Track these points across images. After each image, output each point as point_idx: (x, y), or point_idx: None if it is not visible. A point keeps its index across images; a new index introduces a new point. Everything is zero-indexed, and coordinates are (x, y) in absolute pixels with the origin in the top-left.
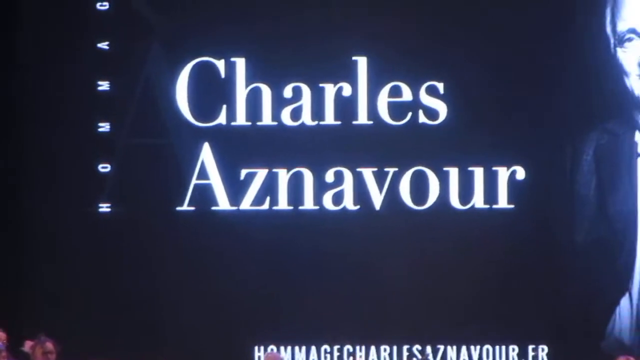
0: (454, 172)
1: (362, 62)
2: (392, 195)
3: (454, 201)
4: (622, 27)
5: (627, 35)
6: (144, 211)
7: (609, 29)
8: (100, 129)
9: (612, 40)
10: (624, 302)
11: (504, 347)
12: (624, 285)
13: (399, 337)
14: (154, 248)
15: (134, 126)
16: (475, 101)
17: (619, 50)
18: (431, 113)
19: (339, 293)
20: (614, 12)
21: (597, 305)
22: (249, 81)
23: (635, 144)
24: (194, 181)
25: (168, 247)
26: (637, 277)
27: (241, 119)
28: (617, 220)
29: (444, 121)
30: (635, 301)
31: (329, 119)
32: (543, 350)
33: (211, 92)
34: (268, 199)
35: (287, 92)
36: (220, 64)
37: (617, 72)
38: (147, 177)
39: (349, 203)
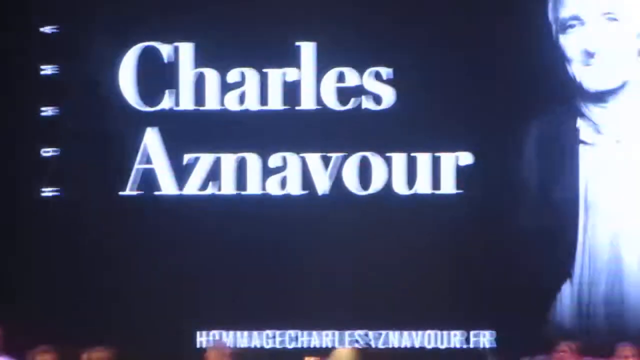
0: (398, 158)
1: (307, 47)
2: (337, 180)
3: (399, 186)
4: (564, 13)
5: (570, 22)
6: (87, 196)
7: (551, 16)
8: (43, 114)
9: (554, 27)
10: (566, 288)
11: (446, 333)
12: (566, 271)
13: (342, 322)
14: (98, 233)
15: (78, 111)
16: (421, 87)
17: (561, 36)
18: (376, 98)
19: (282, 278)
20: None
21: (540, 291)
22: (193, 66)
23: (578, 130)
24: (137, 166)
25: (112, 232)
26: (579, 263)
27: (186, 104)
28: (560, 207)
29: (389, 106)
30: (576, 287)
31: (274, 104)
32: (485, 337)
33: (156, 76)
34: (212, 184)
35: (232, 77)
36: (165, 49)
37: (560, 58)
38: (90, 162)
39: (293, 188)
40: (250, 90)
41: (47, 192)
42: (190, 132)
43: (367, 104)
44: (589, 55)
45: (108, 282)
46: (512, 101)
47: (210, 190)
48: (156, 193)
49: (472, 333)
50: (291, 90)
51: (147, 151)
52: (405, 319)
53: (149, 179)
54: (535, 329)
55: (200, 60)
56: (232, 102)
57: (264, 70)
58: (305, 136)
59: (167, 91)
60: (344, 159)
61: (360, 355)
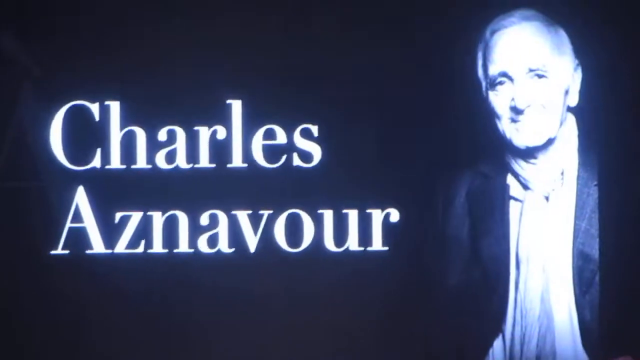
0: (328, 215)
1: (236, 105)
2: (267, 238)
3: (329, 243)
4: (493, 70)
5: (499, 79)
6: (16, 255)
7: (480, 72)
8: None
9: (484, 84)
10: (497, 344)
11: None
12: (497, 327)
13: None
14: (27, 293)
15: (6, 169)
16: (349, 143)
17: (491, 93)
18: (305, 156)
19: (214, 336)
20: (485, 56)
21: (471, 347)
22: (123, 124)
23: (508, 186)
24: (68, 225)
25: (42, 292)
26: (510, 320)
27: (115, 163)
28: (490, 263)
29: (318, 164)
30: (508, 343)
31: (204, 162)
32: None
33: (85, 135)
34: (143, 242)
35: (162, 135)
36: (95, 107)
37: (490, 115)
38: (19, 221)
39: (223, 246)
40: (180, 148)
41: None
42: (120, 191)
43: (297, 161)
44: (518, 111)
45: (40, 342)
46: (441, 157)
47: (141, 248)
48: (87, 252)
49: None
50: (221, 148)
51: (78, 210)
52: None
53: (79, 238)
54: None
55: (130, 118)
56: (161, 160)
57: (194, 128)
58: (235, 194)
59: (96, 150)
60: (274, 216)
61: None
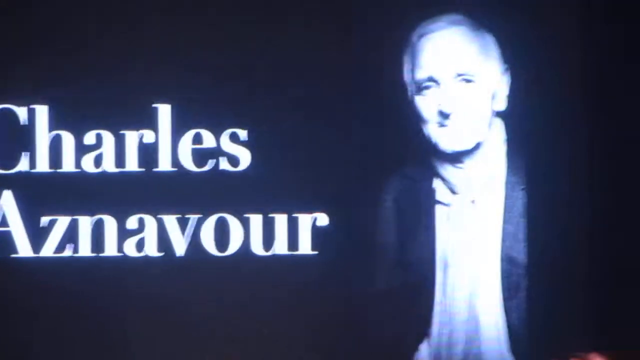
0: (256, 219)
1: (163, 109)
2: (195, 242)
3: (256, 248)
4: (420, 74)
5: (425, 83)
6: None
7: (407, 77)
8: None
9: (410, 88)
10: (424, 348)
11: None
12: (424, 332)
13: None
14: None
15: None
16: (277, 147)
17: (417, 97)
18: (233, 160)
19: (141, 340)
20: (413, 60)
21: (397, 352)
22: (50, 128)
23: (434, 190)
24: None
25: None
26: (437, 323)
27: (42, 166)
28: (417, 267)
29: (246, 168)
30: (434, 347)
31: (131, 165)
32: None
33: (12, 139)
34: (68, 246)
35: (89, 139)
36: (22, 111)
37: (416, 119)
38: None
39: (151, 250)
40: (107, 152)
41: None
42: (47, 195)
43: (224, 165)
44: (444, 116)
45: None
46: (368, 161)
47: (68, 252)
48: (13, 256)
49: None
50: (148, 152)
51: (4, 214)
52: None
53: (5, 242)
54: None
55: (57, 122)
56: (88, 164)
57: (121, 132)
58: (163, 198)
59: (23, 153)
60: (202, 220)
61: None
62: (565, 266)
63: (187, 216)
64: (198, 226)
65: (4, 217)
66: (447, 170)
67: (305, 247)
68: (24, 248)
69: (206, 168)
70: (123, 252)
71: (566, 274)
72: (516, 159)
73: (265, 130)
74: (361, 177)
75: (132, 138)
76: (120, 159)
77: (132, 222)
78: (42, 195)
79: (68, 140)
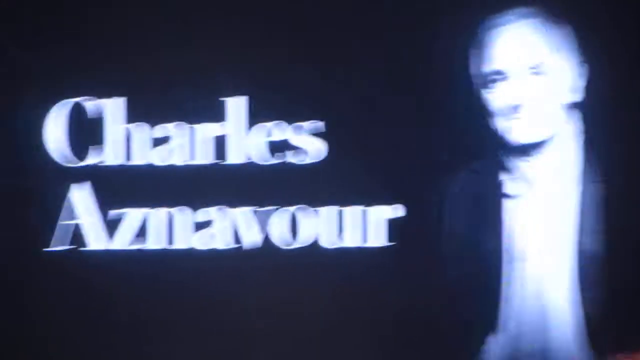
0: (327, 211)
1: (234, 102)
2: (265, 235)
3: (326, 241)
4: (488, 67)
5: (492, 77)
6: (11, 254)
7: (475, 70)
8: None
9: (478, 81)
10: (492, 341)
11: None
12: (492, 324)
13: None
14: (23, 291)
15: (2, 167)
16: (349, 141)
17: (485, 91)
18: (304, 152)
19: (210, 334)
20: (481, 53)
21: (466, 344)
22: (120, 121)
23: (502, 183)
24: (62, 222)
25: (37, 290)
26: (505, 316)
27: (112, 160)
28: (486, 260)
29: (317, 160)
30: (501, 339)
31: (201, 158)
32: None
33: (82, 132)
34: (139, 240)
35: (159, 132)
36: (94, 104)
37: (485, 112)
38: (13, 219)
39: (220, 243)
40: (178, 145)
41: None
42: (117, 188)
43: (296, 157)
44: (514, 109)
45: (36, 341)
46: (436, 155)
47: (137, 245)
48: (82, 249)
49: None
50: (219, 145)
51: (73, 207)
52: None
53: (74, 235)
54: None
55: (127, 115)
56: (159, 158)
57: (192, 125)
58: (233, 191)
59: (93, 147)
60: (272, 213)
61: None
62: None
63: (257, 209)
64: (268, 219)
65: (72, 209)
66: (515, 163)
67: (375, 239)
68: (92, 241)
69: (277, 160)
70: (193, 245)
71: None
72: (591, 152)
73: (338, 122)
74: (428, 171)
75: (203, 131)
76: (191, 152)
77: (202, 215)
78: (112, 189)
79: (139, 133)
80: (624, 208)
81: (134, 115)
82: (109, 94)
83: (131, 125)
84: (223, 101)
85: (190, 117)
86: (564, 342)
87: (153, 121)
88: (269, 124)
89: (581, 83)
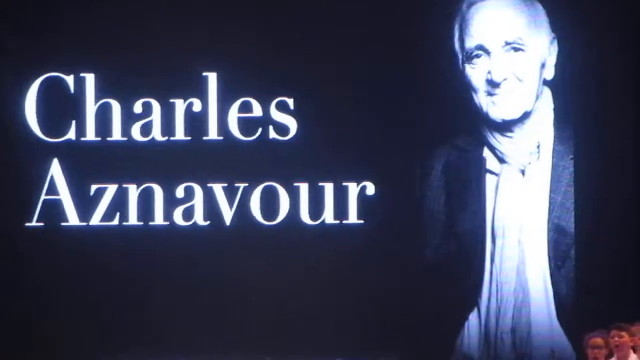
0: (304, 188)
1: (212, 78)
2: (243, 211)
3: (305, 217)
4: (470, 44)
5: (475, 52)
6: None
7: (457, 46)
8: None
9: (460, 57)
10: (473, 317)
11: (356, 358)
12: (473, 301)
13: (250, 350)
14: (3, 265)
15: None
16: (326, 117)
17: (467, 66)
18: (281, 129)
19: (189, 308)
20: (462, 29)
21: (447, 321)
22: (98, 97)
23: (484, 159)
24: (43, 197)
25: (18, 264)
26: (486, 292)
27: (91, 135)
28: (467, 237)
29: (294, 137)
30: (484, 316)
31: (180, 134)
32: None
33: (60, 107)
34: (118, 214)
35: (137, 107)
36: (70, 80)
37: (466, 88)
38: None
39: (199, 219)
40: (156, 121)
41: None
42: (96, 163)
43: (273, 134)
44: (495, 85)
45: (16, 312)
46: (418, 130)
47: (116, 221)
48: (63, 224)
49: None
50: (197, 121)
51: (54, 182)
52: (311, 347)
53: (54, 210)
54: (442, 357)
55: (105, 91)
56: (137, 133)
57: (170, 100)
58: (211, 167)
59: (72, 122)
60: (250, 189)
61: None
62: (614, 236)
63: (235, 185)
64: (246, 195)
65: (53, 185)
66: (497, 139)
67: (353, 216)
68: (73, 216)
69: (254, 137)
70: (171, 221)
71: (615, 244)
72: (565, 129)
73: (313, 99)
74: (410, 146)
75: (180, 107)
76: (168, 128)
77: (180, 191)
78: (90, 164)
79: (116, 109)
80: (597, 185)
81: (112, 91)
82: (87, 70)
83: (109, 100)
84: (203, 77)
85: (168, 94)
86: (544, 318)
87: (130, 97)
88: (244, 101)
89: (554, 60)
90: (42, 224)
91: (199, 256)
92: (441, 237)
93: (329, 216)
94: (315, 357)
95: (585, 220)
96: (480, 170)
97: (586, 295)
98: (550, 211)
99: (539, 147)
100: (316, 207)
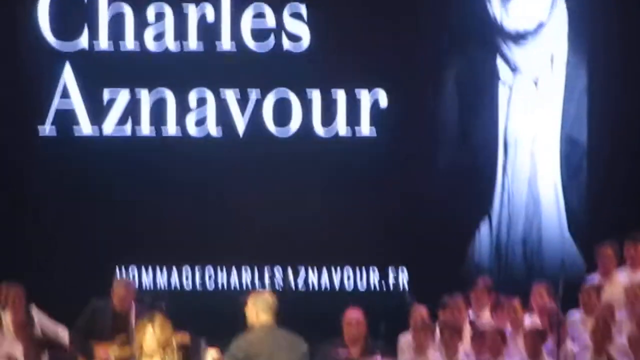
0: (316, 96)
1: None
2: (255, 120)
3: (317, 127)
4: None
5: None
6: (4, 133)
7: None
8: None
9: None
10: (484, 228)
11: (364, 270)
12: (484, 212)
13: (261, 260)
14: (15, 171)
15: None
16: (339, 25)
17: None
18: (294, 37)
19: (201, 217)
20: None
21: (458, 230)
22: (111, 2)
23: (497, 70)
24: (55, 103)
25: (30, 170)
26: (497, 202)
27: (104, 41)
28: (479, 147)
29: (307, 45)
30: (495, 227)
31: (192, 41)
32: (402, 274)
33: (73, 13)
34: (130, 121)
35: (150, 14)
36: None
37: None
38: (7, 100)
39: (211, 128)
40: (168, 28)
41: None
42: (109, 70)
43: (285, 42)
44: None
45: (28, 219)
46: (431, 40)
47: (129, 127)
48: (76, 132)
49: (390, 270)
50: (209, 29)
51: (66, 88)
52: (324, 257)
53: (67, 117)
54: (453, 267)
55: None
56: (150, 40)
57: (182, 6)
58: (223, 75)
59: (85, 29)
60: (262, 98)
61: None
62: (627, 147)
63: (247, 93)
64: (258, 104)
65: (65, 91)
66: (510, 49)
67: (365, 125)
68: (85, 122)
69: (267, 45)
70: (183, 129)
71: (627, 155)
72: (578, 40)
73: (327, 7)
74: (423, 54)
75: (193, 13)
76: (181, 35)
77: (192, 99)
78: (102, 70)
79: (129, 15)
80: (610, 95)
81: None
82: None
83: (122, 4)
84: None
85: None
86: (554, 229)
87: (143, 3)
88: (257, 5)
89: None
90: (54, 131)
91: (211, 166)
92: (453, 147)
93: (341, 127)
94: (326, 267)
95: (598, 131)
96: (493, 80)
97: (597, 206)
98: (563, 122)
99: (552, 58)
100: (328, 116)
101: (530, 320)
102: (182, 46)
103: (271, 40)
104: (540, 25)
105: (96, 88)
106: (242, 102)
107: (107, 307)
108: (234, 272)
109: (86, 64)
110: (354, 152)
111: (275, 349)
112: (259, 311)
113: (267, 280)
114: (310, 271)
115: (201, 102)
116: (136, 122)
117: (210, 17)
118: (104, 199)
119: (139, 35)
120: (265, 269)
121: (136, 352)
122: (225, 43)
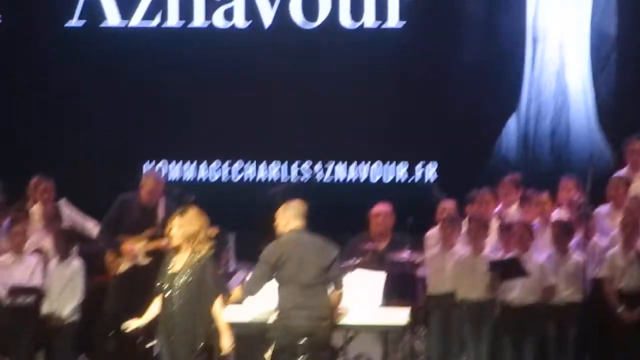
0: None
1: None
2: (283, 11)
3: (344, 19)
4: None
5: None
6: (33, 26)
7: None
8: None
9: None
10: (512, 121)
11: (394, 163)
12: (512, 105)
13: (289, 154)
14: (44, 62)
15: None
16: None
17: None
18: None
19: (228, 110)
20: None
21: (485, 125)
22: None
23: None
24: None
25: (57, 63)
26: (525, 96)
27: None
28: (507, 40)
29: None
30: (522, 120)
31: None
32: (429, 169)
33: None
34: (159, 14)
35: None
36: None
37: None
38: None
39: (239, 20)
40: None
41: None
42: None
43: None
44: None
45: (56, 114)
46: None
47: (157, 21)
48: (102, 25)
49: (416, 166)
50: None
51: None
52: (351, 151)
53: (94, 9)
54: (480, 161)
55: None
56: None
57: None
58: None
59: None
60: None
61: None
62: None
63: None
64: None
65: None
66: None
67: (393, 18)
68: (113, 15)
69: None
70: (211, 21)
71: None
72: None
73: None
74: None
75: None
76: None
77: None
78: None
79: None
80: None
81: None
82: None
83: None
84: None
85: None
86: (583, 122)
87: None
88: None
89: None
90: (81, 23)
91: (238, 57)
92: (481, 40)
93: (368, 19)
94: (352, 161)
95: (627, 24)
96: None
97: (625, 99)
98: (592, 15)
99: None
100: (356, 7)
101: (558, 214)
102: None
103: None
104: None
105: None
106: None
107: (135, 201)
108: (261, 167)
109: None
110: (381, 45)
111: (306, 253)
112: (289, 218)
113: (294, 174)
114: (337, 167)
115: None
116: (164, 15)
117: None
118: (133, 92)
119: None
120: (294, 164)
121: (166, 244)
122: None
